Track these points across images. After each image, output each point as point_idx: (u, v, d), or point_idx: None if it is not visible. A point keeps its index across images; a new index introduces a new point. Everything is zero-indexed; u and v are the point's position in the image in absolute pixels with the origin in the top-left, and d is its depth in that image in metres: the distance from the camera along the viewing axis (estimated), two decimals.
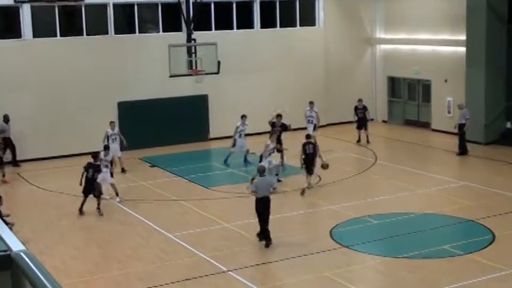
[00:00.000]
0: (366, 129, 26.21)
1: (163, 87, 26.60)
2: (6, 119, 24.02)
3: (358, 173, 21.70)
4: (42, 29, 25.37)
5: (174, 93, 26.85)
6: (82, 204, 18.05)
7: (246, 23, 28.71)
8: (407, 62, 29.64)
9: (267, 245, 15.08)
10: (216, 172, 22.99)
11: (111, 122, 22.94)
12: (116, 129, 22.82)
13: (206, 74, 24.07)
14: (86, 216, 18.01)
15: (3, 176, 21.76)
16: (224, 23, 28.16)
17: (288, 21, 29.58)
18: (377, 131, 29.36)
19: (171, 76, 23.81)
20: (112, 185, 19.34)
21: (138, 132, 25.91)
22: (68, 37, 25.58)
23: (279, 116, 22.92)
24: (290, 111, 28.95)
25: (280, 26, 29.42)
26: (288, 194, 19.56)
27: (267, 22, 29.10)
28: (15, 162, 24.08)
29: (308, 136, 20.37)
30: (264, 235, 15.24)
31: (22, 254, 4.00)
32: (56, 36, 25.36)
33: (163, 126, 26.24)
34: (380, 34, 31.21)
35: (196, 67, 24.02)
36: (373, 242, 15.42)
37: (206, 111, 27.49)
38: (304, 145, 19.68)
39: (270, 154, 19.98)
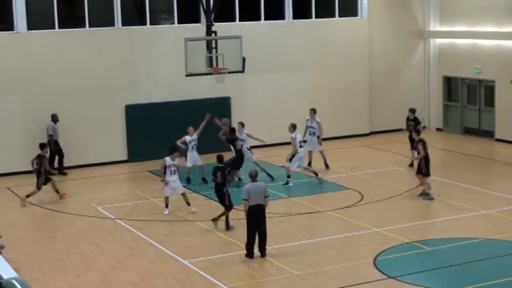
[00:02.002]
0: (411, 148, 24.24)
1: (179, 88, 26.73)
2: (55, 119, 24.65)
3: (408, 191, 21.56)
4: (37, 20, 25.66)
5: (191, 95, 26.96)
6: (226, 218, 18.35)
7: (275, 12, 28.76)
8: (467, 60, 29.45)
9: (263, 255, 16.01)
10: (237, 188, 22.94)
11: (190, 128, 23.06)
12: (195, 135, 23.05)
13: (229, 72, 24.11)
14: (87, 238, 18.11)
15: (57, 192, 21.79)
16: (250, 13, 28.26)
17: (325, 11, 29.58)
18: (430, 141, 29.01)
19: (187, 75, 23.90)
20: (183, 194, 19.90)
21: (148, 141, 26.05)
22: (67, 29, 25.84)
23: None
24: (327, 116, 28.95)
25: (316, 17, 29.43)
26: (323, 214, 19.53)
27: (301, 12, 29.13)
28: (61, 170, 24.72)
29: (418, 131, 21.62)
30: (260, 251, 16.01)
31: (14, 281, 4.05)
32: (53, 28, 25.63)
33: (178, 133, 26.26)
34: (434, 26, 31.06)
35: (217, 64, 24.07)
36: (425, 272, 15.27)
37: (228, 116, 27.52)
38: (423, 143, 20.65)
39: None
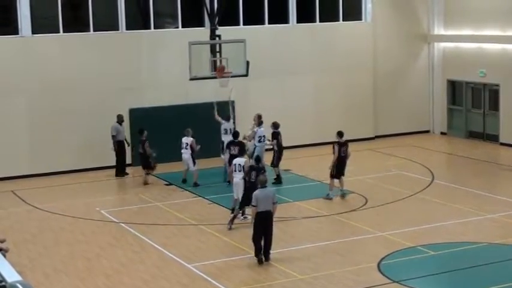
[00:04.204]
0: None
1: (183, 92, 26.75)
2: (119, 120, 24.99)
3: (412, 195, 21.55)
4: (42, 24, 25.72)
5: (194, 99, 26.98)
6: (234, 218, 18.67)
7: (279, 16, 28.79)
8: (471, 63, 29.43)
9: (267, 259, 15.99)
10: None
11: (187, 130, 23.38)
12: (190, 138, 23.28)
13: (233, 76, 24.15)
14: (91, 241, 18.14)
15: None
16: (254, 17, 28.27)
17: (329, 15, 29.59)
18: (434, 145, 29.19)
19: (191, 79, 23.94)
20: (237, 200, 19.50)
21: (152, 144, 26.01)
22: (72, 33, 25.89)
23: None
24: (331, 120, 28.94)
25: (320, 21, 29.43)
26: (327, 218, 19.53)
27: (305, 15, 29.14)
28: (121, 171, 25.11)
29: (340, 134, 21.31)
30: (264, 255, 15.96)
31: (18, 285, 4.05)
32: (58, 32, 25.67)
33: (182, 137, 26.34)
34: (439, 30, 31.06)
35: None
36: (429, 276, 15.27)
37: (233, 120, 27.51)
38: (340, 146, 20.89)
39: None
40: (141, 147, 23.56)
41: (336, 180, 21.17)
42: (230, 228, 18.47)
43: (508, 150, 27.53)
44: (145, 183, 23.59)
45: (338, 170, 21.10)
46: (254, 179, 18.01)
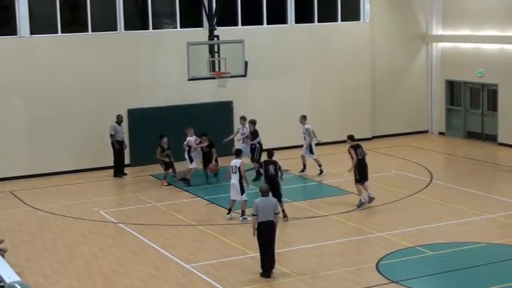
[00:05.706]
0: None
1: (181, 93, 26.75)
2: (119, 120, 25.07)
3: (411, 195, 21.55)
4: (40, 25, 25.71)
5: (193, 100, 26.98)
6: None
7: (278, 17, 28.78)
8: (470, 63, 29.44)
9: (268, 276, 15.19)
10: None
11: (189, 129, 23.80)
12: (188, 137, 23.70)
13: (231, 76, 24.16)
14: (90, 242, 18.13)
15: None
16: (252, 17, 28.27)
17: (327, 15, 29.58)
18: (433, 145, 29.18)
19: (189, 79, 23.93)
20: (244, 202, 19.35)
21: (151, 145, 26.01)
22: (70, 34, 25.87)
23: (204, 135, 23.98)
24: (329, 121, 28.95)
25: (319, 21, 29.43)
26: (326, 218, 19.52)
27: (303, 16, 29.14)
28: (120, 171, 25.08)
29: (351, 137, 20.97)
30: (265, 269, 15.29)
31: (17, 285, 4.05)
32: (56, 32, 25.66)
33: (181, 138, 26.30)
34: (437, 30, 31.06)
35: (219, 69, 24.12)
36: (428, 276, 15.25)
37: (231, 120, 27.55)
38: (355, 149, 20.45)
39: None
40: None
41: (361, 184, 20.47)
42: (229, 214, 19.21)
43: (506, 151, 27.54)
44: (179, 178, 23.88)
45: (361, 173, 20.38)
46: (273, 172, 18.87)
